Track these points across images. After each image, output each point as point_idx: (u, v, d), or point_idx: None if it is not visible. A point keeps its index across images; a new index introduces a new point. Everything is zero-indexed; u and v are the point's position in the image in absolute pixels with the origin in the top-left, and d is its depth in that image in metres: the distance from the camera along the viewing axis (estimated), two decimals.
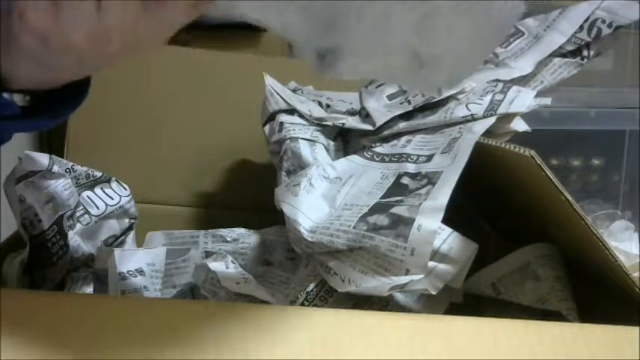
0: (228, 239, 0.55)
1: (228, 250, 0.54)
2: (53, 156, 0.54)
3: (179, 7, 0.30)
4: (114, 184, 0.59)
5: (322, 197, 0.47)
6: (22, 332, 0.32)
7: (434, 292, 0.39)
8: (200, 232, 0.57)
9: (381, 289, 0.39)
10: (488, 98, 0.49)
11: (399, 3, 0.29)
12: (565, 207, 0.39)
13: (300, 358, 0.32)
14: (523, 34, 0.57)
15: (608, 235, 0.73)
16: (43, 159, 0.52)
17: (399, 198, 0.43)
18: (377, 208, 0.43)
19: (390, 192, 0.44)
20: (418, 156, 0.47)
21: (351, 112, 0.56)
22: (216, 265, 0.44)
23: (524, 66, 0.54)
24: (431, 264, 0.39)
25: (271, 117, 0.58)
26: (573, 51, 0.55)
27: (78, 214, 0.56)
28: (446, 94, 0.52)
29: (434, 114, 0.51)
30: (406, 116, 0.53)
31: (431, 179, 0.43)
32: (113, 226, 0.59)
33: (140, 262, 0.50)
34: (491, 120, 0.47)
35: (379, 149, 0.51)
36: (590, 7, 0.55)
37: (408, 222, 0.40)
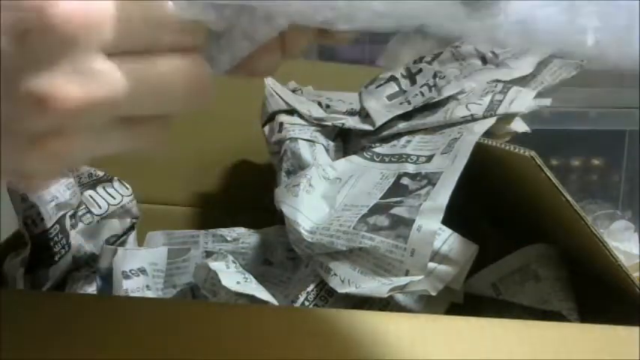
0: (229, 239, 0.55)
1: (229, 250, 0.54)
2: None
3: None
4: (116, 184, 0.59)
5: (322, 198, 0.47)
6: (22, 332, 0.32)
7: (433, 294, 0.39)
8: (200, 232, 0.57)
9: (380, 290, 0.39)
10: (488, 99, 0.49)
11: None
12: (565, 207, 0.39)
13: (300, 358, 0.33)
14: None
15: (608, 235, 0.73)
16: None
17: (398, 199, 0.43)
18: (377, 209, 0.43)
19: (390, 192, 0.44)
20: (418, 156, 0.47)
21: (351, 113, 0.56)
22: (216, 265, 0.44)
23: (524, 66, 0.54)
24: (431, 265, 0.39)
25: (271, 117, 0.58)
26: None
27: (80, 213, 0.56)
28: (446, 94, 0.52)
29: (434, 114, 0.51)
30: (406, 116, 0.53)
31: (431, 180, 0.43)
32: (115, 226, 0.59)
33: (142, 261, 0.50)
34: (491, 120, 0.47)
35: (379, 149, 0.51)
36: None
37: (408, 223, 0.40)
